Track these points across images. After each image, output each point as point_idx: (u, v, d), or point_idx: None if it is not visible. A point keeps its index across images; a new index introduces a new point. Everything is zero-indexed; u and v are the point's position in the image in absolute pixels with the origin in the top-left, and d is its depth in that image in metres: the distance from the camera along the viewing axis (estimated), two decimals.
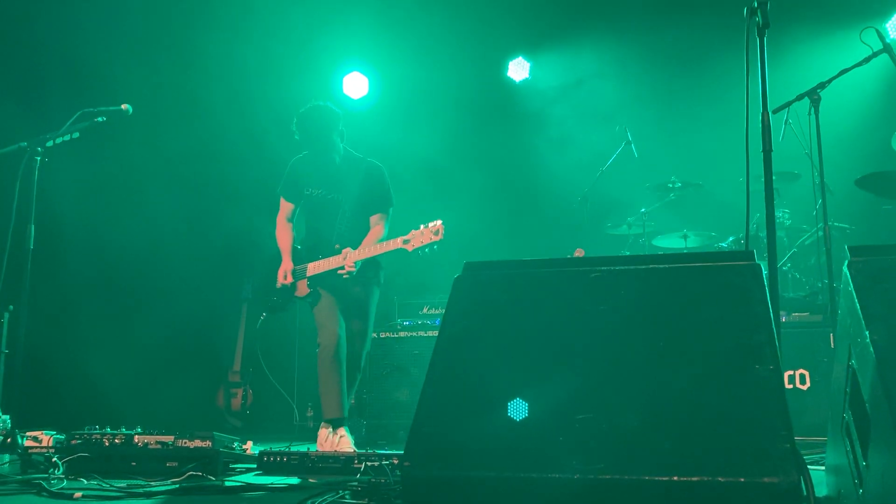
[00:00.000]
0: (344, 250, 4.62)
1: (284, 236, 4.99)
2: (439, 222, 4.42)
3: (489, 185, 7.44)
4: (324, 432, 4.59)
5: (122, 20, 6.84)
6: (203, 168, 7.16)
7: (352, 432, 4.70)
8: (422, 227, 4.46)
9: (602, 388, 2.20)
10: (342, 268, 4.59)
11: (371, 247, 4.65)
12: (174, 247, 6.92)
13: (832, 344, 4.75)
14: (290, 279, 4.82)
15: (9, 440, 3.78)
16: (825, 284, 5.05)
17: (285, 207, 5.04)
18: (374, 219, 4.84)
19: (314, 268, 4.78)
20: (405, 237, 4.50)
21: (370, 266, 4.81)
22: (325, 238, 4.83)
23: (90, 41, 6.67)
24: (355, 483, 3.10)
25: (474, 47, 7.70)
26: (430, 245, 4.45)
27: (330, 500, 2.82)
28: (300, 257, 4.90)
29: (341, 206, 4.85)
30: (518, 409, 2.22)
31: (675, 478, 1.95)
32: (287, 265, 4.87)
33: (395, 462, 3.37)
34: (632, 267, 2.48)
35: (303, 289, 4.81)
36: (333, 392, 4.62)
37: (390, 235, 4.67)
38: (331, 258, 4.70)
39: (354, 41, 7.64)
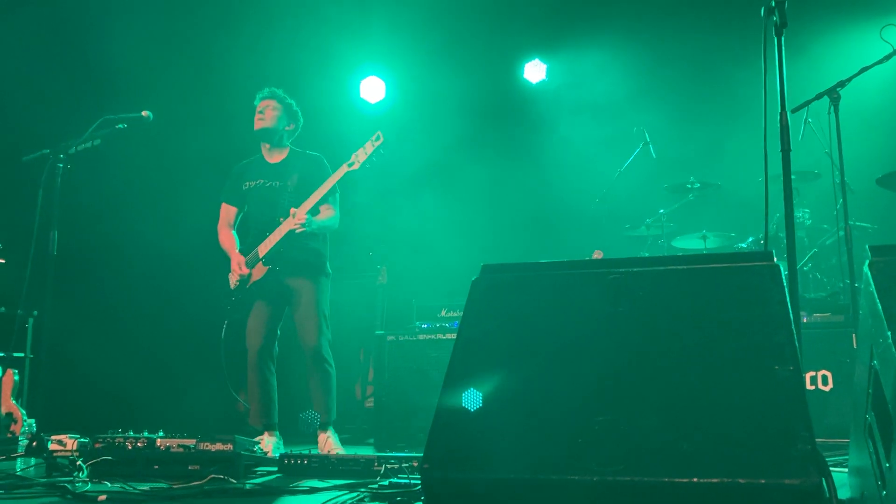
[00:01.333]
0: (291, 209, 4.61)
1: (228, 238, 4.97)
2: (378, 132, 4.50)
3: (506, 187, 7.44)
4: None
5: (144, 27, 6.91)
6: (224, 173, 7.21)
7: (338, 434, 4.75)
8: (361, 146, 4.54)
9: (621, 389, 2.19)
10: (293, 232, 4.56)
11: (316, 192, 4.63)
12: (196, 251, 6.95)
13: (854, 344, 4.71)
14: (245, 270, 4.78)
15: (34, 444, 3.83)
16: (847, 285, 5.01)
17: (227, 213, 5.04)
18: (323, 207, 4.79)
19: (265, 245, 4.74)
20: (348, 161, 4.56)
21: (312, 254, 4.78)
22: (271, 221, 4.77)
23: (112, 48, 6.75)
24: (375, 486, 3.11)
25: (490, 50, 7.70)
26: (376, 153, 4.50)
27: (350, 502, 2.84)
28: (248, 249, 4.88)
29: (284, 191, 4.83)
30: (536, 411, 2.22)
31: (695, 479, 1.94)
32: (238, 258, 4.83)
33: (415, 464, 3.38)
34: (650, 268, 2.47)
35: (259, 271, 4.77)
36: (254, 397, 4.76)
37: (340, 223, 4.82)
38: (280, 227, 4.67)
39: (371, 46, 7.67)
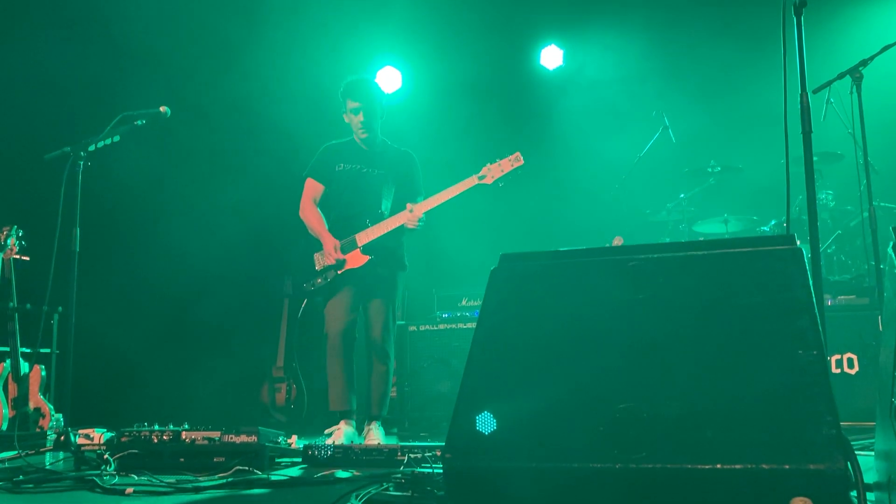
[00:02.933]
0: (408, 204, 4.50)
1: (316, 216, 4.76)
2: (517, 153, 4.34)
3: (525, 175, 7.37)
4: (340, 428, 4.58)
5: (160, 23, 6.94)
6: (241, 165, 7.25)
7: (387, 427, 4.68)
8: (496, 161, 4.38)
9: (642, 376, 2.19)
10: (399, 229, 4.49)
11: (440, 194, 4.47)
12: (215, 244, 7.01)
13: (880, 327, 4.65)
14: (340, 255, 4.59)
15: (62, 438, 3.89)
16: (871, 266, 4.95)
17: (312, 189, 4.82)
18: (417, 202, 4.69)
19: (367, 234, 4.59)
20: (479, 174, 4.38)
21: (401, 247, 4.71)
22: (367, 208, 4.66)
23: (130, 44, 6.80)
24: (399, 475, 3.13)
25: (506, 37, 7.67)
26: (513, 172, 4.36)
27: (374, 492, 2.85)
28: (340, 232, 4.69)
29: (384, 181, 4.71)
30: (556, 399, 2.22)
31: (719, 465, 1.93)
32: (333, 240, 4.63)
33: (438, 454, 3.38)
34: (670, 254, 2.45)
35: (356, 259, 4.60)
36: (336, 382, 4.60)
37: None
38: (389, 219, 4.56)
39: (386, 36, 7.66)
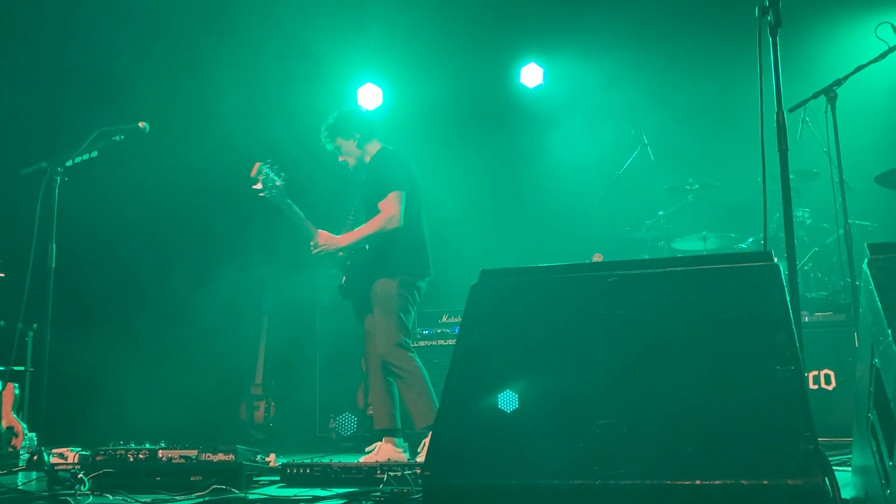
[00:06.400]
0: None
1: None
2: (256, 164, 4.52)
3: (505, 192, 7.42)
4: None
5: (139, 38, 6.92)
6: (220, 182, 7.21)
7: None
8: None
9: (622, 392, 2.19)
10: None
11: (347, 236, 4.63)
12: (193, 262, 6.96)
13: (856, 343, 4.70)
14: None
15: (35, 458, 3.82)
16: (847, 283, 5.00)
17: None
18: (380, 205, 4.56)
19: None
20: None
21: (376, 253, 4.60)
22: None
23: (108, 59, 6.76)
24: (378, 493, 3.10)
25: (487, 55, 7.71)
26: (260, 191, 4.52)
27: None
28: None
29: (353, 208, 4.84)
30: (536, 416, 2.22)
31: (698, 481, 1.93)
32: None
33: (417, 471, 3.36)
34: (649, 270, 2.47)
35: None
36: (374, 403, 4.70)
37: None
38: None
39: (367, 54, 7.68)
